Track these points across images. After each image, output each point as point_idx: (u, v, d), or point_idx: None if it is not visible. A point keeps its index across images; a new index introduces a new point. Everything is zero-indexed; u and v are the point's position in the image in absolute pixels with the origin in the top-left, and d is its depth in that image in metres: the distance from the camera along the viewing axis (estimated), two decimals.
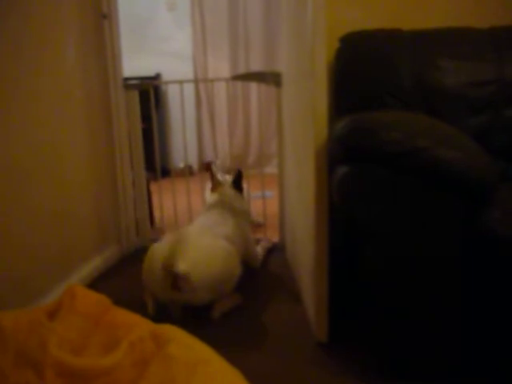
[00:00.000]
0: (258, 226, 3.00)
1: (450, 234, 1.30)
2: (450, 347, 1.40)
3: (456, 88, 1.90)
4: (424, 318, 1.38)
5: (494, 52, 1.95)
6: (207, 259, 1.84)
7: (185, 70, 5.14)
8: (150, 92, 2.80)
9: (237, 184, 2.48)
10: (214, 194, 2.44)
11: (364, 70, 1.96)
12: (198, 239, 1.92)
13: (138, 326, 0.94)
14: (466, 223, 1.29)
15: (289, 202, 2.57)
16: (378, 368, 1.50)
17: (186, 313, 1.87)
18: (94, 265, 2.37)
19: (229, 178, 2.52)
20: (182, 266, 1.70)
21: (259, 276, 2.35)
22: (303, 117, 1.81)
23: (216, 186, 2.48)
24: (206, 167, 2.47)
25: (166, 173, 3.60)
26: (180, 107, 2.88)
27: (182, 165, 4.54)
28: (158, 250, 1.84)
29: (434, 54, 1.94)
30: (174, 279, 1.72)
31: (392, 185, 1.30)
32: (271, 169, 3.86)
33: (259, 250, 2.54)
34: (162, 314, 1.85)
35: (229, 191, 2.44)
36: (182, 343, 0.92)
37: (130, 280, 2.28)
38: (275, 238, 2.81)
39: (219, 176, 2.50)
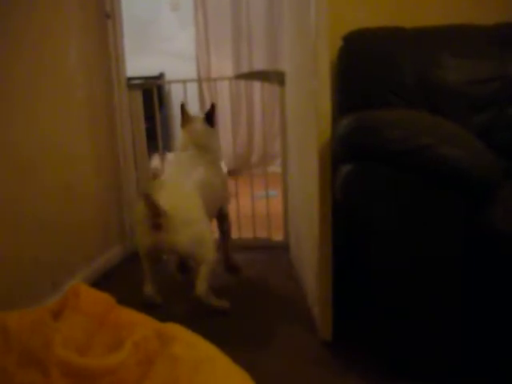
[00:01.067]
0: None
1: (452, 232, 1.30)
2: (450, 347, 1.39)
3: (459, 86, 1.90)
4: (424, 317, 1.37)
5: (497, 49, 1.94)
6: (185, 203, 1.83)
7: (188, 70, 5.14)
8: (153, 91, 2.80)
9: (210, 119, 2.26)
10: (184, 132, 2.25)
11: (367, 69, 1.95)
12: (175, 188, 1.90)
13: (143, 325, 0.94)
14: (468, 221, 1.28)
15: (293, 201, 2.56)
16: (379, 367, 1.50)
17: (189, 310, 1.87)
18: (97, 265, 2.38)
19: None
20: (161, 203, 1.71)
21: (263, 275, 2.34)
22: (307, 116, 1.80)
23: (187, 122, 2.26)
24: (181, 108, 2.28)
25: None
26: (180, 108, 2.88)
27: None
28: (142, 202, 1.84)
29: (437, 51, 1.94)
30: (154, 216, 1.72)
31: (395, 183, 1.30)
32: (275, 168, 3.86)
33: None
34: (164, 305, 1.85)
35: (201, 128, 2.23)
36: (187, 342, 0.92)
37: (133, 280, 2.28)
38: (279, 238, 2.81)
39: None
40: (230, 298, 1.98)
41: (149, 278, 1.85)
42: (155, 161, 2.85)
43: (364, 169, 1.36)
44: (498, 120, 1.89)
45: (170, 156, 2.23)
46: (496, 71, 1.91)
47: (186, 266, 2.26)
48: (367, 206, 1.41)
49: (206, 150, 2.18)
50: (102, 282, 2.31)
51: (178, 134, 2.29)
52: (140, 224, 1.80)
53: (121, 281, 2.33)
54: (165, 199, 1.73)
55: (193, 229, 1.81)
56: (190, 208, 1.85)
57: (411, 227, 1.32)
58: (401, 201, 1.31)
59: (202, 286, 1.81)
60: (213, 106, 2.28)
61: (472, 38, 1.99)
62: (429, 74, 1.90)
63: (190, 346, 0.91)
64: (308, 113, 1.75)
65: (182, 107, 2.27)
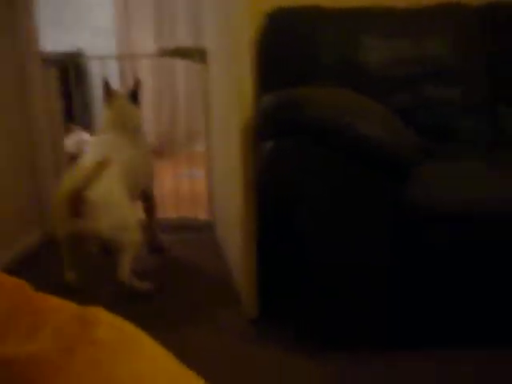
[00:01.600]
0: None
1: (378, 208, 1.35)
2: (377, 323, 1.45)
3: (378, 66, 1.95)
4: (352, 295, 1.42)
5: (414, 31, 2.01)
6: (105, 188, 1.77)
7: (106, 46, 4.95)
8: (69, 69, 2.68)
9: (134, 96, 2.19)
10: (109, 110, 2.15)
11: (290, 47, 1.96)
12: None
13: (62, 310, 0.91)
14: (391, 198, 1.33)
15: (217, 179, 2.56)
16: (305, 344, 1.55)
17: (113, 294, 1.83)
18: (15, 251, 2.27)
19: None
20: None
21: (189, 255, 2.33)
22: (229, 93, 1.79)
23: (110, 98, 2.15)
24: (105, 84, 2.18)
25: None
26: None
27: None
28: (63, 184, 1.79)
29: (357, 31, 1.98)
30: (74, 201, 1.66)
31: (316, 158, 1.32)
32: (199, 147, 3.82)
33: None
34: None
35: (126, 105, 2.16)
36: (110, 325, 0.90)
37: (54, 264, 2.20)
38: (204, 217, 2.80)
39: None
40: (156, 279, 1.96)
41: (69, 264, 1.80)
42: (72, 141, 2.72)
43: (286, 145, 1.38)
44: (417, 100, 1.97)
45: (91, 139, 2.12)
46: (414, 52, 1.98)
47: (108, 248, 2.20)
48: (289, 181, 1.43)
49: (130, 128, 2.12)
50: (19, 268, 2.21)
51: (101, 112, 2.20)
52: (58, 210, 1.73)
53: (40, 266, 2.23)
54: (85, 184, 1.67)
55: (115, 214, 1.76)
56: (111, 192, 1.79)
57: (333, 202, 1.35)
58: (324, 178, 1.34)
59: (123, 271, 1.78)
60: (137, 82, 2.21)
61: (390, 20, 2.04)
62: (349, 53, 1.94)
63: (112, 328, 0.89)
64: (230, 90, 1.74)
65: (106, 83, 2.17)
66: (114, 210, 1.77)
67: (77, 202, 1.65)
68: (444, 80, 1.97)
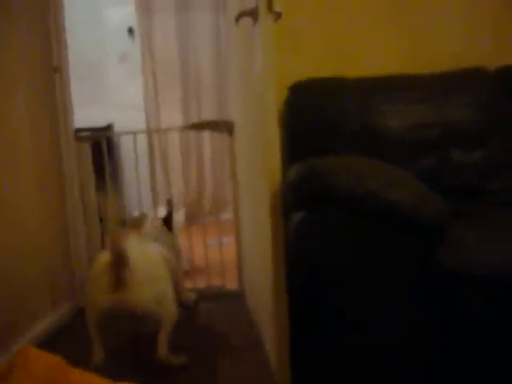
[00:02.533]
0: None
1: (405, 274, 1.33)
2: None
3: (400, 131, 1.98)
4: (385, 364, 1.38)
5: (435, 96, 2.05)
6: (149, 259, 1.83)
7: (137, 120, 5.14)
8: (102, 143, 2.79)
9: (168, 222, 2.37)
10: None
11: (312, 118, 2.02)
12: (139, 245, 1.89)
13: None
14: (419, 263, 1.32)
15: (246, 247, 2.57)
16: None
17: (142, 367, 1.81)
18: (47, 323, 2.28)
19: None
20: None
21: (219, 324, 2.31)
22: (257, 164, 1.84)
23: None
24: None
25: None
26: (133, 158, 2.87)
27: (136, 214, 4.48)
28: (103, 256, 1.79)
29: (378, 99, 2.03)
30: (120, 266, 1.64)
31: (345, 228, 1.33)
32: (228, 215, 3.86)
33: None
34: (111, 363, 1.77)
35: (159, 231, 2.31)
36: None
37: (85, 337, 2.20)
38: (234, 285, 2.79)
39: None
40: (186, 347, 1.94)
41: (97, 345, 1.76)
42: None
43: (315, 216, 1.39)
44: (440, 164, 1.98)
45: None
46: (436, 117, 2.01)
47: (141, 324, 2.15)
48: (320, 253, 1.43)
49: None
50: (51, 341, 2.21)
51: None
52: (98, 280, 1.70)
53: (72, 339, 2.23)
54: (130, 252, 1.67)
55: (157, 287, 1.76)
56: (154, 264, 1.81)
57: (365, 272, 1.34)
58: (354, 246, 1.34)
59: (162, 348, 1.77)
60: (170, 208, 2.38)
61: (412, 87, 2.09)
62: (371, 121, 1.98)
63: None
64: (258, 161, 1.79)
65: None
66: (157, 282, 1.77)
67: (122, 268, 1.64)
68: (467, 143, 1.99)
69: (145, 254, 1.83)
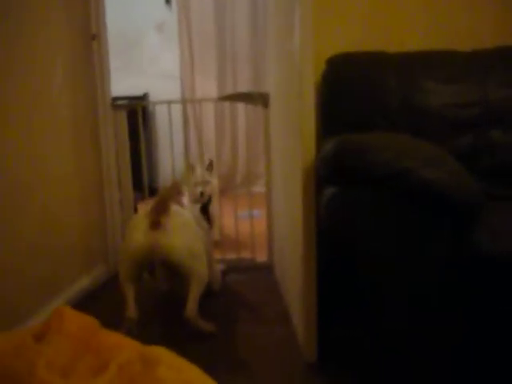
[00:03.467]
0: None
1: (438, 255, 1.31)
2: (442, 369, 1.40)
3: (440, 109, 1.93)
4: (413, 341, 1.38)
5: (476, 74, 1.98)
6: (185, 220, 1.91)
7: (172, 90, 5.16)
8: (138, 112, 2.81)
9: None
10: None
11: (351, 92, 1.98)
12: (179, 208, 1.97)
13: (127, 348, 0.93)
14: (453, 244, 1.30)
15: (277, 221, 2.57)
16: None
17: (173, 332, 1.85)
18: (81, 285, 2.35)
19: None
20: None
21: (247, 296, 2.34)
22: (291, 137, 1.82)
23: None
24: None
25: (153, 192, 3.59)
26: (167, 127, 2.89)
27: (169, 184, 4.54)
28: (144, 208, 1.91)
29: (419, 75, 1.98)
30: (159, 213, 1.76)
31: (378, 206, 1.31)
32: (259, 188, 3.87)
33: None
34: (144, 326, 1.81)
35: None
36: (171, 365, 0.91)
37: (117, 299, 2.26)
38: (263, 258, 2.81)
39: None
40: (215, 317, 1.97)
41: (131, 301, 1.80)
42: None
43: (348, 192, 1.38)
44: (479, 144, 1.93)
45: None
46: (476, 96, 1.95)
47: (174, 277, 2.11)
48: (351, 229, 1.42)
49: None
50: (86, 303, 2.28)
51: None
52: (137, 223, 1.81)
53: (105, 302, 2.30)
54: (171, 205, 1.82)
55: (190, 241, 1.83)
56: (189, 224, 1.90)
57: (396, 250, 1.33)
58: (385, 224, 1.33)
59: (192, 308, 1.79)
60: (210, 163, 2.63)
61: (452, 64, 2.03)
62: (411, 97, 1.94)
63: (174, 369, 0.90)
64: (293, 134, 1.77)
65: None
66: (190, 238, 1.84)
67: (160, 212, 1.75)
68: (508, 124, 1.93)
69: (183, 213, 1.92)
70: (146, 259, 1.78)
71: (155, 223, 1.75)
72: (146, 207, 1.88)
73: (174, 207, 1.87)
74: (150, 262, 1.79)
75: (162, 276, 1.84)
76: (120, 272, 1.85)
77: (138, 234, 1.77)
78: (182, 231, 1.81)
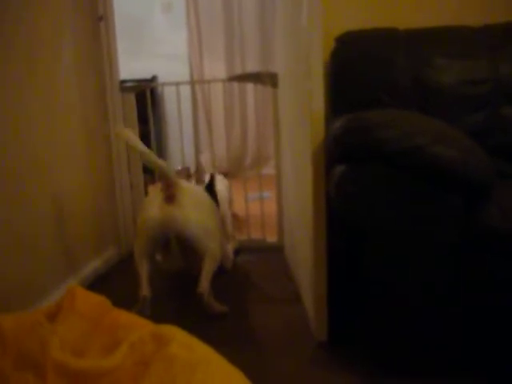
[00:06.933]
0: None
1: (449, 230, 1.31)
2: (451, 345, 1.40)
3: (451, 86, 1.91)
4: (424, 316, 1.38)
5: (487, 51, 1.95)
6: (197, 195, 1.96)
7: (180, 72, 5.13)
8: (146, 94, 2.80)
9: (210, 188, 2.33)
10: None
11: (360, 70, 1.96)
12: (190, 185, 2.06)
13: (138, 326, 0.94)
14: (464, 220, 1.29)
15: (287, 202, 2.57)
16: (377, 367, 1.51)
17: (185, 311, 1.87)
18: (93, 266, 2.37)
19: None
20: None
21: (258, 276, 2.35)
22: (300, 117, 1.81)
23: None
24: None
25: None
26: (176, 108, 2.88)
27: (179, 167, 4.54)
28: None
29: (429, 52, 1.95)
30: (171, 188, 1.79)
31: (389, 183, 1.31)
32: (269, 170, 3.86)
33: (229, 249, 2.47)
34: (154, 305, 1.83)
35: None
36: (183, 343, 0.92)
37: (129, 281, 2.28)
38: (273, 239, 2.81)
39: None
40: (226, 297, 1.99)
41: (145, 280, 1.81)
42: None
43: (357, 169, 1.37)
44: (490, 121, 1.90)
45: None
46: (487, 72, 1.92)
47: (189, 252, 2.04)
48: (362, 206, 1.41)
49: None
50: (98, 283, 2.31)
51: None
52: (151, 199, 1.86)
53: (117, 282, 2.32)
54: (180, 182, 1.85)
55: (204, 216, 1.86)
56: (202, 198, 1.95)
57: (407, 226, 1.33)
58: (396, 201, 1.32)
59: (205, 284, 1.79)
60: (212, 177, 2.43)
61: (463, 40, 2.00)
62: (422, 74, 1.91)
63: (185, 347, 0.91)
64: (301, 114, 1.76)
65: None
66: (203, 214, 1.86)
67: (171, 187, 1.78)
68: None
69: (197, 190, 1.99)
70: (161, 233, 1.81)
71: (170, 197, 1.77)
72: (157, 187, 1.89)
73: (189, 184, 1.91)
74: (165, 237, 1.82)
75: (175, 252, 1.85)
76: (135, 248, 1.87)
77: (154, 208, 1.80)
78: (196, 206, 1.84)
